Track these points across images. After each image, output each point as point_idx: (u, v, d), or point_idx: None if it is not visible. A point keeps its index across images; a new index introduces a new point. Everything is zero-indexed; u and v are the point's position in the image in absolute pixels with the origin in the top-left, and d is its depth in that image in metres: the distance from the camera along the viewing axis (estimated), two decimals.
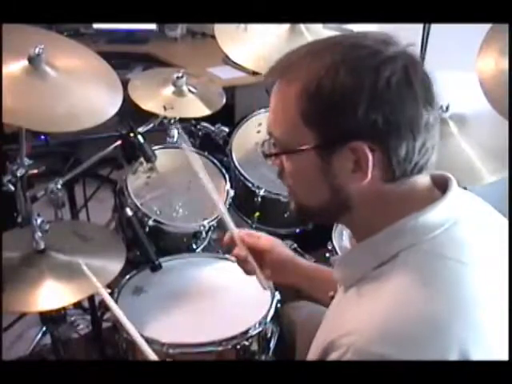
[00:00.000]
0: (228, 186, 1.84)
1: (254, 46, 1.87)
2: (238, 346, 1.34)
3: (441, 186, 0.82)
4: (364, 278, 0.78)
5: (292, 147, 0.77)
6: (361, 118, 0.71)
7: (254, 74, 2.59)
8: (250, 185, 1.86)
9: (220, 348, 1.32)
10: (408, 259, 0.75)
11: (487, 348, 0.70)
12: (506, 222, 0.88)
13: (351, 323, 0.73)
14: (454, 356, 0.67)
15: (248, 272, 1.19)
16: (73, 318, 1.95)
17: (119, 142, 1.66)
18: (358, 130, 0.72)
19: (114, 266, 1.36)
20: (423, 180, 0.79)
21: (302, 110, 0.74)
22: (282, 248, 1.20)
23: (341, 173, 0.76)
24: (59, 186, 1.60)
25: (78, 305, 1.92)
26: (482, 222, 0.85)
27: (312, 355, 0.80)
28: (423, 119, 0.74)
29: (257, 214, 1.88)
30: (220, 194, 1.84)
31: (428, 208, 0.76)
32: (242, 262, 1.18)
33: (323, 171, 0.77)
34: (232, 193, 1.83)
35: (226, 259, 1.65)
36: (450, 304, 0.70)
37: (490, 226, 0.86)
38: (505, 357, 0.72)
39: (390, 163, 0.74)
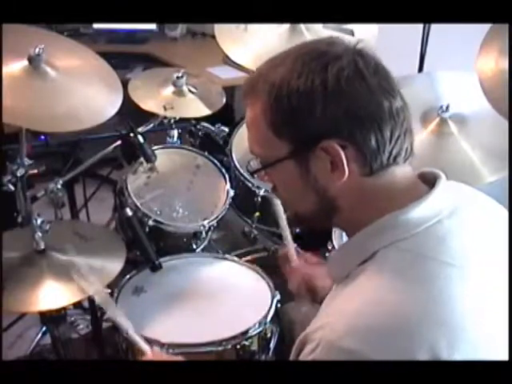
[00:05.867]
0: (228, 185, 1.84)
1: (254, 45, 1.86)
2: (238, 346, 1.33)
3: (430, 182, 0.82)
4: (349, 275, 0.79)
5: (271, 160, 0.81)
6: (321, 117, 0.74)
7: None
8: (250, 185, 1.86)
9: (220, 348, 1.31)
10: (386, 257, 0.76)
11: (466, 350, 0.69)
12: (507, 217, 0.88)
13: (325, 318, 0.76)
14: (423, 356, 0.67)
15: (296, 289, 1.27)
16: (73, 318, 1.95)
17: (119, 142, 1.66)
18: (322, 129, 0.75)
19: (114, 266, 1.36)
20: (403, 171, 0.80)
21: (269, 124, 0.78)
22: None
23: (320, 175, 0.78)
24: (59, 186, 1.60)
25: (78, 305, 1.92)
26: (479, 218, 0.84)
27: (293, 349, 0.80)
28: (384, 108, 0.75)
29: (257, 214, 1.88)
30: (220, 193, 1.85)
31: (411, 205, 0.77)
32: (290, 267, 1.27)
33: (304, 177, 0.79)
34: (232, 193, 1.83)
35: (226, 259, 1.65)
36: (422, 303, 0.70)
37: (488, 223, 0.85)
38: (491, 358, 0.71)
39: (363, 156, 0.76)
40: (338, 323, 0.71)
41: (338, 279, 0.83)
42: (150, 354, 1.16)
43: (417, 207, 0.76)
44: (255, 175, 0.87)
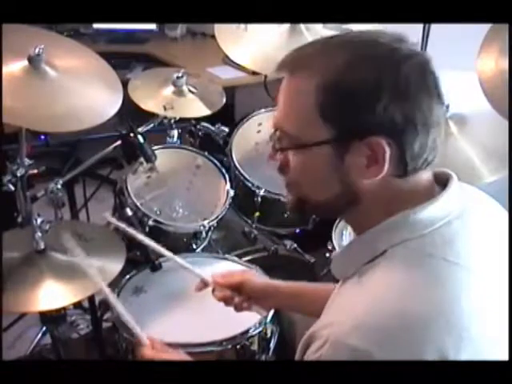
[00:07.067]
0: (228, 185, 1.84)
1: (254, 45, 1.87)
2: (238, 346, 1.34)
3: (441, 183, 0.82)
4: (356, 272, 0.78)
5: (305, 141, 0.76)
6: (380, 114, 0.72)
7: (254, 73, 2.59)
8: (249, 185, 1.86)
9: (220, 348, 1.32)
10: (394, 256, 0.75)
11: (472, 350, 0.69)
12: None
13: (333, 315, 0.75)
14: (430, 356, 0.67)
15: (236, 307, 1.25)
16: (73, 318, 1.95)
17: (119, 142, 1.66)
18: (377, 125, 0.72)
19: (114, 266, 1.35)
20: (426, 175, 0.80)
21: (319, 104, 0.74)
22: (255, 277, 1.27)
23: (354, 168, 0.76)
24: (59, 186, 1.60)
25: (78, 305, 1.92)
26: (485, 220, 0.84)
27: (299, 347, 0.80)
28: (436, 115, 0.75)
29: (257, 214, 1.88)
30: (220, 193, 1.85)
31: (424, 205, 0.76)
32: (228, 301, 1.25)
33: (335, 166, 0.76)
34: (232, 193, 1.83)
35: (226, 259, 1.65)
36: (429, 303, 0.70)
37: (493, 225, 0.85)
38: (496, 359, 0.71)
39: (403, 158, 0.75)
40: (347, 320, 0.71)
41: (344, 276, 0.83)
42: (149, 347, 1.12)
43: (428, 207, 0.76)
44: (277, 153, 0.82)
